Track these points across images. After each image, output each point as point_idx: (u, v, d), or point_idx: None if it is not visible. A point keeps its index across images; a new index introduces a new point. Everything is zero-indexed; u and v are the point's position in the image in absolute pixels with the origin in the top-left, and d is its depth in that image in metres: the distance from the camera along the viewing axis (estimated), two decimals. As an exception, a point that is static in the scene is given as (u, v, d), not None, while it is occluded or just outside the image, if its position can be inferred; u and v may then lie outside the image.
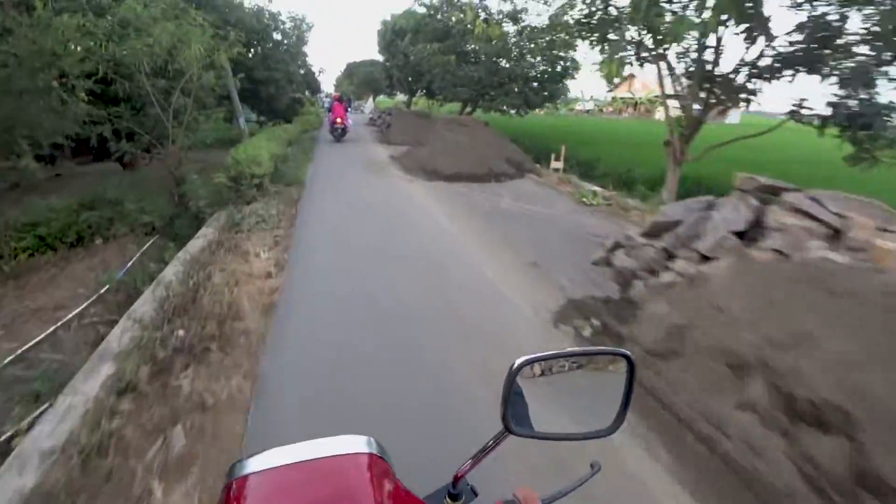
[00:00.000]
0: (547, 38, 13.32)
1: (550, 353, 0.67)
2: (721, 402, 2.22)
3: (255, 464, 0.61)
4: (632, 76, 32.64)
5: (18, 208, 5.71)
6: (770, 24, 5.40)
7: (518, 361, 0.63)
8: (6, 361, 3.28)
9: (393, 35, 20.37)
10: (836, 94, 5.29)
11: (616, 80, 6.49)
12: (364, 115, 27.62)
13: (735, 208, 3.46)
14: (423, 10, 17.78)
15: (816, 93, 5.79)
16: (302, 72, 19.22)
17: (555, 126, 23.34)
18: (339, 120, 14.12)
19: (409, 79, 20.93)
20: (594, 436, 0.70)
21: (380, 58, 24.86)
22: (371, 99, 30.50)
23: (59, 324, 3.83)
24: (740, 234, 3.30)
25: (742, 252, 3.06)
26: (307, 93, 23.51)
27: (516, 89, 15.65)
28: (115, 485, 1.93)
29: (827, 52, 5.11)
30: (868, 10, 4.72)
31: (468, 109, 18.17)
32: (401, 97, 37.48)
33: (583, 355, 0.80)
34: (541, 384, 1.73)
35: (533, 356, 0.65)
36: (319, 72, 21.70)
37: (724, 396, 2.23)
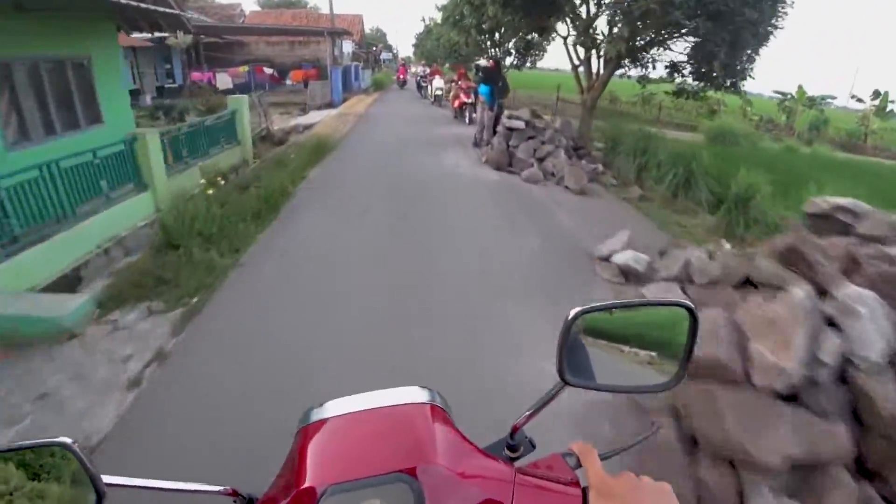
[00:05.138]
0: None
1: (606, 303, 0.66)
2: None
3: (325, 411, 0.67)
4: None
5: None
6: None
7: (573, 312, 0.62)
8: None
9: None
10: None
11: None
12: None
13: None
14: None
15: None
16: None
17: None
18: (401, 77, 25.10)
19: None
20: (654, 389, 0.67)
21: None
22: None
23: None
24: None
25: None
26: None
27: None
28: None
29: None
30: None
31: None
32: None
33: (641, 305, 0.75)
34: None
35: (588, 307, 0.64)
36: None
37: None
